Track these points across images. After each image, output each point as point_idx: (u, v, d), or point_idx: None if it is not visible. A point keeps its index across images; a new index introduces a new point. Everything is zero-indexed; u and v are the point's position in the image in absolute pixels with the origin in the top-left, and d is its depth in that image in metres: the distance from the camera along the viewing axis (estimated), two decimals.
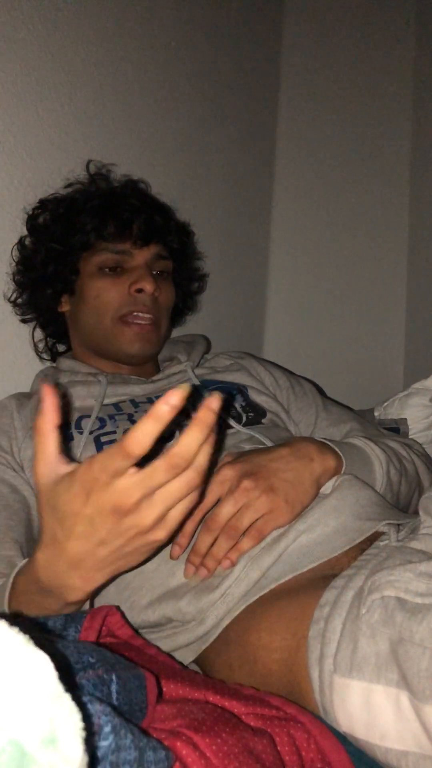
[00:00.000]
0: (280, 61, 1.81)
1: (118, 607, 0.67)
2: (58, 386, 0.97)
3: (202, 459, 0.55)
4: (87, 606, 0.70)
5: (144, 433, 0.51)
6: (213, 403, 0.53)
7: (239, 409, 0.99)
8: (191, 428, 0.53)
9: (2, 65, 1.06)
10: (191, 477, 0.55)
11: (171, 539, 0.64)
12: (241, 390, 1.04)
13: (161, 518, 0.56)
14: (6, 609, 0.67)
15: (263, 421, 1.00)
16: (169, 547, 0.79)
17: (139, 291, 0.99)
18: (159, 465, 0.53)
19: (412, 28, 1.77)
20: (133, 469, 0.53)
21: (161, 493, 0.54)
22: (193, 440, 0.53)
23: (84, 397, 0.99)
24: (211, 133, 1.57)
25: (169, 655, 0.65)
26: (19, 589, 0.67)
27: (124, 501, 0.54)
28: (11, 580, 0.68)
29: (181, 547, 0.77)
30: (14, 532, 0.85)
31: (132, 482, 0.53)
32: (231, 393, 1.03)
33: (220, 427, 0.95)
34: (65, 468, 0.58)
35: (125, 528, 0.56)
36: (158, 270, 1.05)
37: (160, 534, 0.57)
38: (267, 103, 1.78)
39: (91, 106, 1.24)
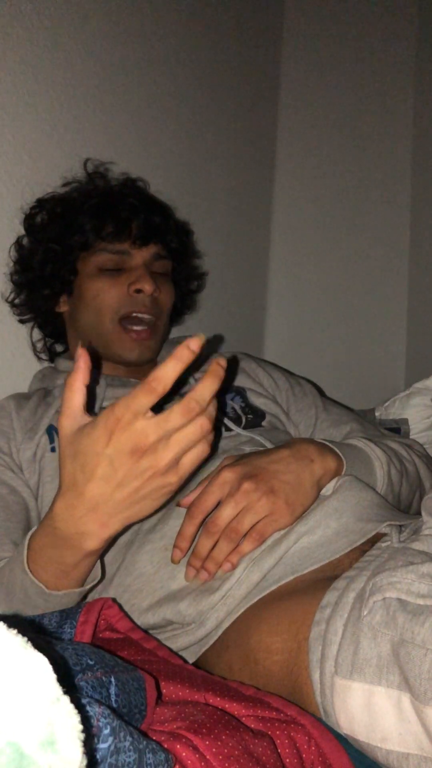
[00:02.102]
0: (281, 60, 1.81)
1: (114, 599, 0.67)
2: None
3: (212, 409, 0.61)
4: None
5: (167, 370, 0.58)
6: (221, 361, 0.61)
7: (239, 411, 0.99)
8: (205, 378, 0.60)
9: (2, 64, 1.06)
10: (204, 422, 0.60)
11: (181, 489, 0.70)
12: (240, 392, 1.03)
13: (176, 461, 0.61)
14: (27, 570, 0.69)
15: (263, 423, 1.00)
16: (169, 552, 0.78)
17: (138, 291, 0.99)
18: (176, 408, 0.59)
19: (413, 27, 1.76)
20: (150, 413, 0.59)
21: (177, 435, 0.60)
22: (207, 388, 0.60)
23: None
24: (211, 132, 1.57)
25: (168, 648, 0.65)
26: (35, 547, 0.69)
27: (143, 441, 0.59)
28: (27, 541, 0.70)
29: (182, 550, 0.77)
30: (13, 534, 0.85)
31: (150, 423, 0.58)
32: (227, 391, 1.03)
33: (218, 430, 0.95)
34: (88, 420, 0.62)
35: (142, 469, 0.60)
36: (157, 270, 1.04)
37: (173, 478, 0.62)
38: (267, 102, 1.78)
39: (89, 104, 1.24)
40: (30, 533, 0.71)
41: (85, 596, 0.76)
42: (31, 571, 0.69)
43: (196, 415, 0.59)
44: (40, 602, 0.70)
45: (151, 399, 0.58)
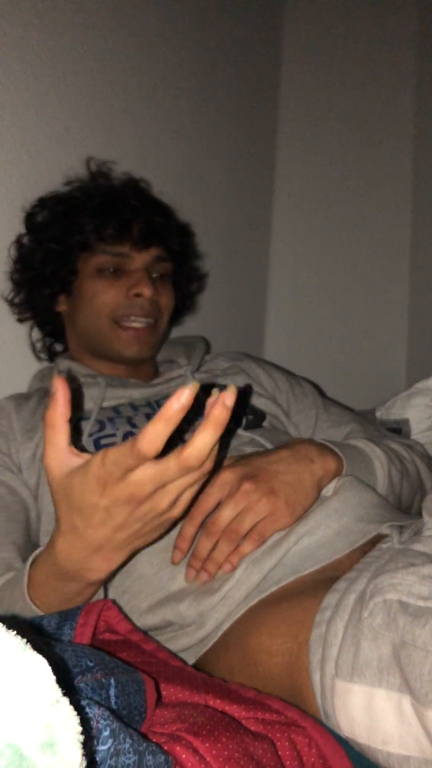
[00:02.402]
0: (281, 60, 1.81)
1: (114, 601, 0.66)
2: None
3: (213, 455, 0.56)
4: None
5: (155, 434, 0.52)
6: (228, 399, 0.53)
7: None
8: (204, 428, 0.53)
9: (1, 63, 1.06)
10: (204, 472, 0.57)
11: (185, 514, 0.68)
12: (240, 394, 1.03)
13: (174, 502, 0.59)
14: (29, 601, 0.68)
15: (263, 424, 1.00)
16: (169, 553, 0.78)
17: (137, 295, 0.99)
18: (172, 465, 0.55)
19: (414, 26, 1.76)
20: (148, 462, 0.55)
21: (174, 484, 0.57)
22: (206, 442, 0.54)
23: (83, 399, 0.99)
24: (211, 133, 1.57)
25: (168, 650, 0.65)
26: (37, 581, 0.68)
27: (139, 492, 0.56)
28: (26, 574, 0.69)
29: (182, 552, 0.77)
30: (13, 535, 0.85)
31: (146, 476, 0.55)
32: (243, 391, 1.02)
33: (229, 427, 0.95)
34: (77, 460, 0.59)
35: (142, 513, 0.58)
36: (157, 273, 1.04)
37: (175, 512, 0.61)
38: (268, 102, 1.78)
39: (91, 104, 1.24)
40: (29, 563, 0.69)
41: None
42: (32, 601, 0.68)
43: (194, 470, 0.56)
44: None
45: (140, 462, 0.54)
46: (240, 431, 0.95)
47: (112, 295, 0.99)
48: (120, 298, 0.99)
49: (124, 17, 1.31)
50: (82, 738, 0.33)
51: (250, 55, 1.69)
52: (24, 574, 0.69)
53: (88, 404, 0.98)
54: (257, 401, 1.04)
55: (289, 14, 1.81)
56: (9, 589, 0.72)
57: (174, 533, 0.79)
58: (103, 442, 0.92)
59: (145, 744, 0.42)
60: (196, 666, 0.74)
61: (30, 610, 0.68)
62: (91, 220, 1.00)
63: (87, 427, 0.94)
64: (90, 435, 0.93)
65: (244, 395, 1.02)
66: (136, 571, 0.79)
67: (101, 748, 0.39)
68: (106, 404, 0.99)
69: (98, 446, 0.91)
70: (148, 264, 1.02)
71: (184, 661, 0.64)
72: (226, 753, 0.47)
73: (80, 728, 0.33)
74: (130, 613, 0.77)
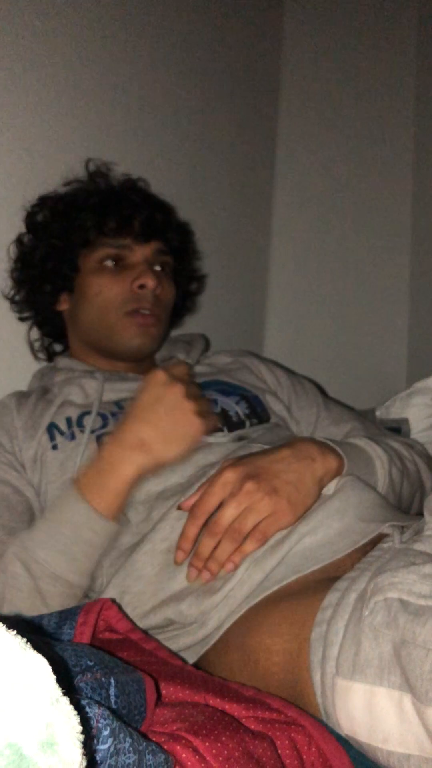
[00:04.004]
0: (281, 59, 1.80)
1: (113, 600, 0.66)
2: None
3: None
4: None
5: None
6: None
7: (242, 417, 0.99)
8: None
9: (2, 63, 1.06)
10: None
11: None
12: (246, 397, 1.02)
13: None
14: (80, 497, 0.81)
15: (269, 421, 1.00)
16: (170, 554, 0.78)
17: (141, 287, 0.99)
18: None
19: (414, 26, 1.76)
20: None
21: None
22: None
23: (82, 394, 0.99)
24: (211, 132, 1.57)
25: (168, 649, 0.65)
26: (81, 483, 0.82)
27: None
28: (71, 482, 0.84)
29: (184, 552, 0.77)
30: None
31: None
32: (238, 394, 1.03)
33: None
34: None
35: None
36: (158, 267, 1.04)
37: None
38: (267, 101, 1.78)
39: (90, 104, 1.24)
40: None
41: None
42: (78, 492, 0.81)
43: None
44: (88, 534, 0.79)
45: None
46: (245, 429, 0.95)
47: (118, 289, 0.98)
48: (125, 291, 0.98)
49: (124, 17, 1.30)
50: (82, 737, 0.33)
51: (250, 56, 1.69)
52: (70, 485, 0.83)
53: (88, 398, 0.98)
54: (261, 397, 1.04)
55: (289, 14, 1.81)
56: (53, 506, 0.86)
57: (174, 535, 0.79)
58: (106, 438, 0.92)
59: (145, 743, 0.42)
60: (197, 665, 0.74)
61: (83, 509, 0.80)
62: (92, 216, 1.00)
63: (89, 422, 0.93)
64: (93, 431, 0.93)
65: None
66: (137, 571, 0.79)
67: (101, 747, 0.39)
68: (107, 398, 0.98)
69: (100, 443, 0.91)
70: (149, 257, 1.02)
71: (184, 660, 0.65)
72: (226, 752, 0.47)
73: (80, 728, 0.33)
74: (131, 613, 0.77)
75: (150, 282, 0.98)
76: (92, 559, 0.81)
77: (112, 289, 0.99)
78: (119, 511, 0.83)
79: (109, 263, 1.00)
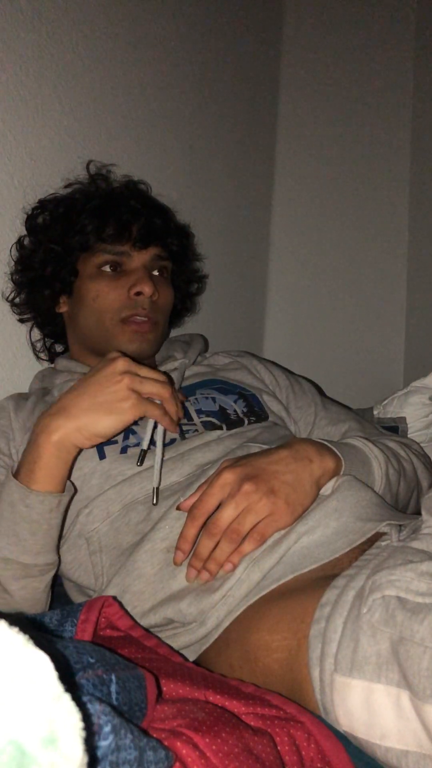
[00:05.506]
0: (281, 60, 1.81)
1: (114, 597, 0.67)
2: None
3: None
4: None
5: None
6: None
7: (240, 415, 0.99)
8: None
9: (2, 65, 1.06)
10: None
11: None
12: (244, 395, 1.03)
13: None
14: (11, 477, 0.81)
15: (267, 420, 1.00)
16: (170, 553, 0.79)
17: (138, 294, 0.99)
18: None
19: (412, 25, 1.76)
20: None
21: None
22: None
23: None
24: (211, 134, 1.57)
25: (168, 646, 0.65)
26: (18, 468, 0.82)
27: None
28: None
29: (184, 552, 0.77)
30: None
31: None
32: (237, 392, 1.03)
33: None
34: None
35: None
36: (157, 272, 1.04)
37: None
38: (267, 103, 1.78)
39: (91, 106, 1.24)
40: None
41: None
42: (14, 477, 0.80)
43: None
44: (23, 510, 0.78)
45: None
46: (244, 427, 0.96)
47: (114, 295, 0.98)
48: (122, 298, 0.98)
49: (124, 18, 1.31)
50: (83, 734, 0.33)
51: (249, 56, 1.69)
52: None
53: None
54: (259, 396, 1.04)
55: (289, 14, 1.81)
56: None
57: (174, 535, 0.80)
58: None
59: (145, 739, 0.42)
60: (196, 663, 0.74)
61: (13, 485, 0.80)
62: (91, 220, 1.00)
63: None
64: None
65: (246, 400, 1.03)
66: (137, 570, 0.79)
67: (102, 743, 0.40)
68: None
69: (99, 446, 0.91)
70: (147, 263, 1.02)
71: (184, 657, 0.65)
72: (226, 748, 0.47)
73: (82, 724, 0.33)
74: (131, 612, 0.77)
75: (147, 289, 0.98)
76: (39, 536, 0.80)
77: (109, 295, 0.99)
78: (56, 481, 0.80)
79: (108, 269, 1.00)
